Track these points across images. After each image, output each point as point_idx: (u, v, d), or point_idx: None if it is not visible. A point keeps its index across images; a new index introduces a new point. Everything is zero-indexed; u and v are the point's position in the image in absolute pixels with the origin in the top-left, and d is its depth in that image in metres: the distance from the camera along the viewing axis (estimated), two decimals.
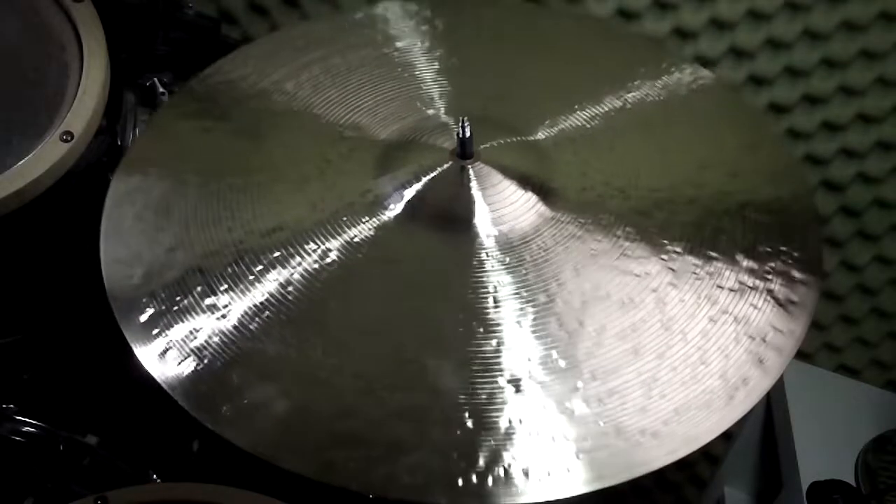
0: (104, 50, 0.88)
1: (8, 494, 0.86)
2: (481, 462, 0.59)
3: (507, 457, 0.59)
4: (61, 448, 0.88)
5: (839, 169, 1.23)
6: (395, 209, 0.73)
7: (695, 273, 0.69)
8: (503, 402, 0.61)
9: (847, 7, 1.11)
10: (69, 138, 0.82)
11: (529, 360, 0.64)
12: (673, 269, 0.70)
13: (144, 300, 0.68)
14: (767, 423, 1.23)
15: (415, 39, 0.90)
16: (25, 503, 0.86)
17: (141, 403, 0.84)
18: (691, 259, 0.70)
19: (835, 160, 1.22)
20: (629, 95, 0.84)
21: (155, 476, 0.88)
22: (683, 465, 1.54)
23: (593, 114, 0.82)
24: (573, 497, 0.58)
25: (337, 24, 0.95)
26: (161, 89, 0.97)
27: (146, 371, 0.65)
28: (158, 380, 0.63)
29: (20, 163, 0.80)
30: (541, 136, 0.80)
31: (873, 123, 1.19)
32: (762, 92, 1.19)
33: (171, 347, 0.65)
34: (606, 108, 0.83)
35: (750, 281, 0.69)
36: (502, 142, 0.78)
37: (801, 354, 1.34)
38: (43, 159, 0.81)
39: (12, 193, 0.79)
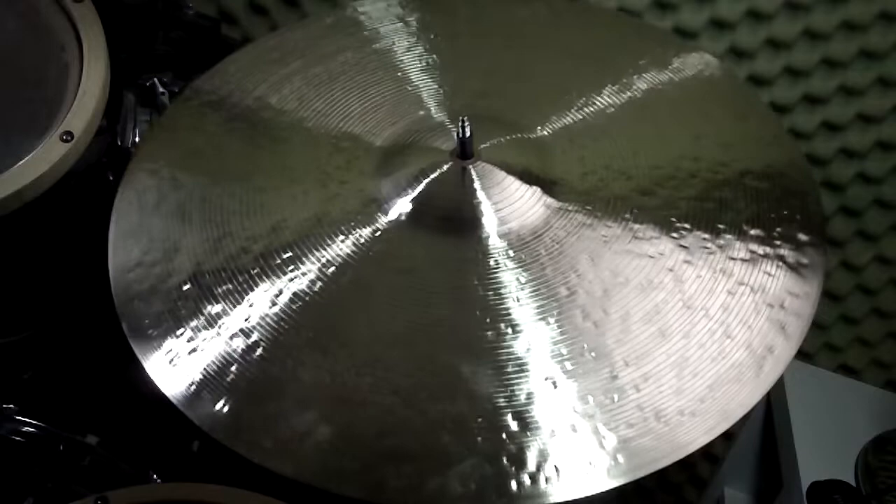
0: (104, 50, 0.88)
1: (8, 494, 0.86)
2: (531, 463, 0.59)
3: (555, 454, 0.59)
4: (61, 448, 0.88)
5: (839, 169, 1.23)
6: (402, 217, 0.73)
7: (706, 248, 0.70)
8: (543, 401, 0.62)
9: (847, 7, 1.11)
10: (69, 138, 0.82)
11: (562, 354, 0.64)
12: (685, 247, 0.70)
13: (165, 338, 0.67)
14: (767, 423, 1.23)
15: (392, 40, 0.89)
16: (25, 503, 0.86)
17: (141, 403, 0.84)
18: (700, 234, 0.71)
19: (835, 160, 1.22)
20: (620, 82, 0.84)
21: (155, 476, 0.88)
22: (684, 466, 1.54)
23: (584, 102, 0.82)
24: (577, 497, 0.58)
25: (309, 31, 0.94)
26: (161, 89, 0.97)
27: (145, 371, 0.65)
28: (195, 420, 0.63)
29: (20, 163, 0.80)
30: (534, 128, 0.80)
31: (873, 123, 1.19)
32: (762, 92, 1.18)
33: (204, 388, 0.64)
34: (597, 96, 0.83)
35: (760, 249, 0.70)
36: (501, 139, 0.78)
37: (801, 354, 1.34)
38: (43, 159, 0.81)
39: (12, 193, 0.79)
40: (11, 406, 0.88)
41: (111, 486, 0.78)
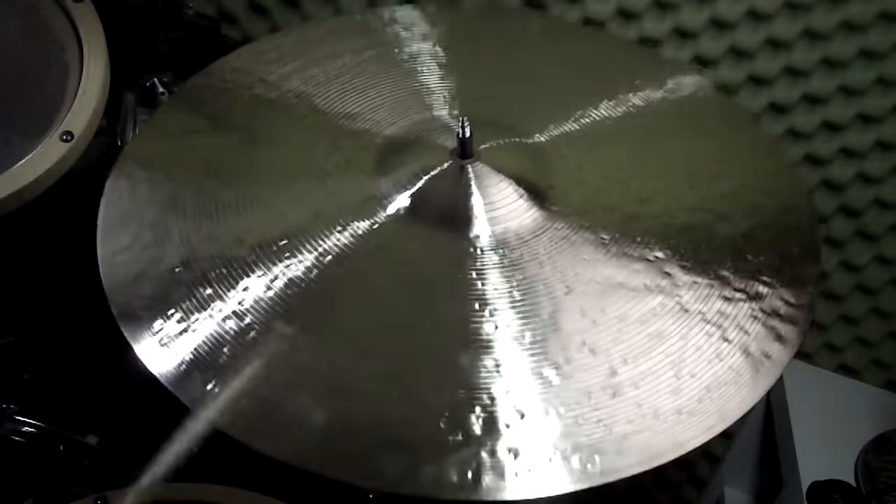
0: (104, 50, 0.88)
1: (8, 494, 0.86)
2: (531, 453, 0.59)
3: (556, 445, 0.59)
4: (61, 448, 0.88)
5: (839, 169, 1.23)
6: (400, 211, 0.73)
7: (702, 256, 0.71)
8: (544, 392, 0.62)
9: (847, 7, 1.11)
10: (69, 138, 0.82)
11: (562, 349, 0.64)
12: (682, 253, 0.71)
13: (155, 320, 0.66)
14: (767, 423, 1.23)
15: (392, 47, 0.90)
16: (25, 503, 0.86)
17: (141, 403, 0.84)
18: (698, 242, 0.72)
19: (835, 160, 1.22)
20: (616, 97, 0.86)
21: None
22: (683, 465, 1.54)
23: (581, 114, 0.84)
24: (570, 495, 0.58)
25: (305, 35, 0.94)
26: (161, 89, 0.97)
27: (146, 370, 0.65)
28: (188, 404, 0.62)
29: (20, 163, 0.80)
30: (532, 134, 0.81)
31: (873, 123, 1.19)
32: (762, 92, 1.19)
33: (194, 368, 0.63)
34: (594, 109, 0.84)
35: (755, 259, 0.71)
36: (500, 142, 0.79)
37: (801, 354, 1.34)
38: (43, 159, 0.81)
39: (12, 193, 0.79)
40: (11, 406, 0.88)
41: (111, 486, 0.78)
